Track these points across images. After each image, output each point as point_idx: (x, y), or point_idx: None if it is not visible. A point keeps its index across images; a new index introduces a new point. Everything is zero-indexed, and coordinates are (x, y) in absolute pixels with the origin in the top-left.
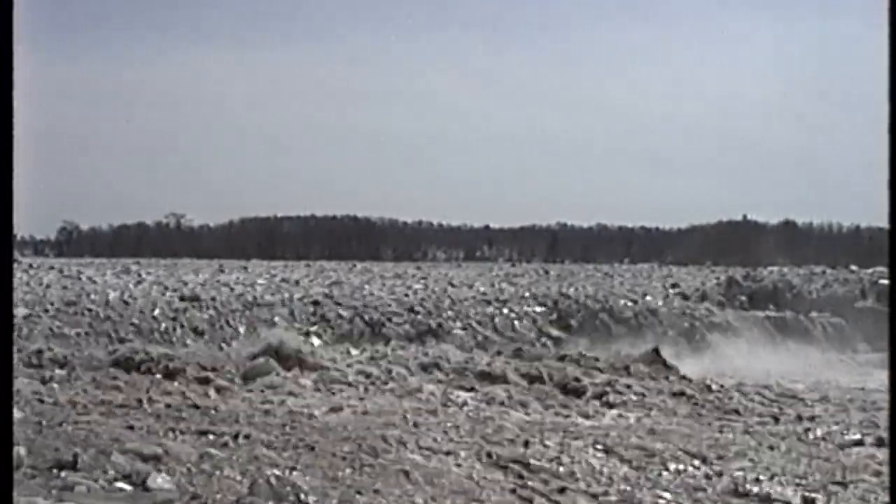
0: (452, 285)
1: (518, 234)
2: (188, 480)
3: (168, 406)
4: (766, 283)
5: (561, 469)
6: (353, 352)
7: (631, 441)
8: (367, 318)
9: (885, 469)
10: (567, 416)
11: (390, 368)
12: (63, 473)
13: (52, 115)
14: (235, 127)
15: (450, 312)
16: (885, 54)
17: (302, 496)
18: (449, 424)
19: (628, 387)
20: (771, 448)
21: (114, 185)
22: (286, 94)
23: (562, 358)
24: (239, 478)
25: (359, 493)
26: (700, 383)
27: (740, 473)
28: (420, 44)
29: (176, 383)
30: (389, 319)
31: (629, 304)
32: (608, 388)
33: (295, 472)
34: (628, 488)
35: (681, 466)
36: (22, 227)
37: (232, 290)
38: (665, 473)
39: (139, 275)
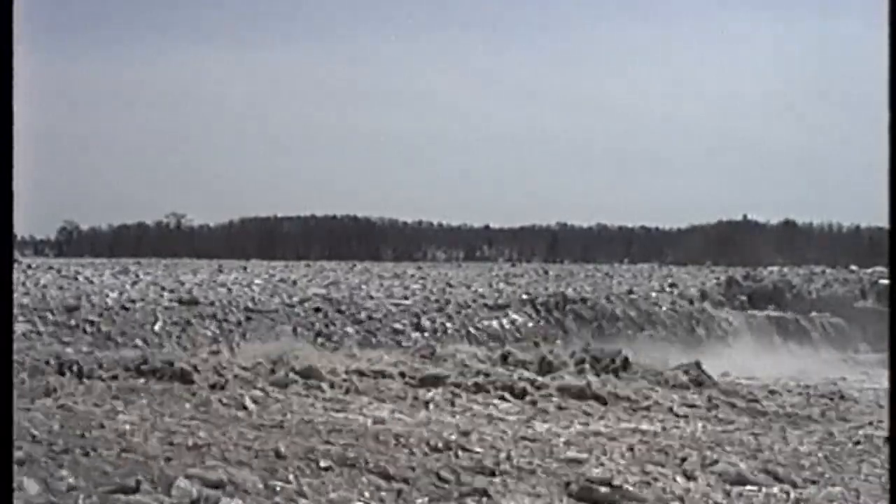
0: (451, 286)
1: (518, 234)
2: None
3: (205, 415)
4: (766, 283)
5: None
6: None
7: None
8: (363, 325)
9: None
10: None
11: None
12: (126, 499)
13: (52, 115)
14: (235, 127)
15: (448, 317)
16: (885, 54)
17: None
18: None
19: (671, 396)
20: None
21: (114, 185)
22: (286, 94)
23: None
24: None
25: None
26: (732, 389)
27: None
28: (420, 44)
29: (199, 391)
30: (384, 324)
31: (629, 304)
32: (648, 398)
33: None
34: None
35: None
36: (22, 227)
37: (229, 290)
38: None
39: (137, 275)
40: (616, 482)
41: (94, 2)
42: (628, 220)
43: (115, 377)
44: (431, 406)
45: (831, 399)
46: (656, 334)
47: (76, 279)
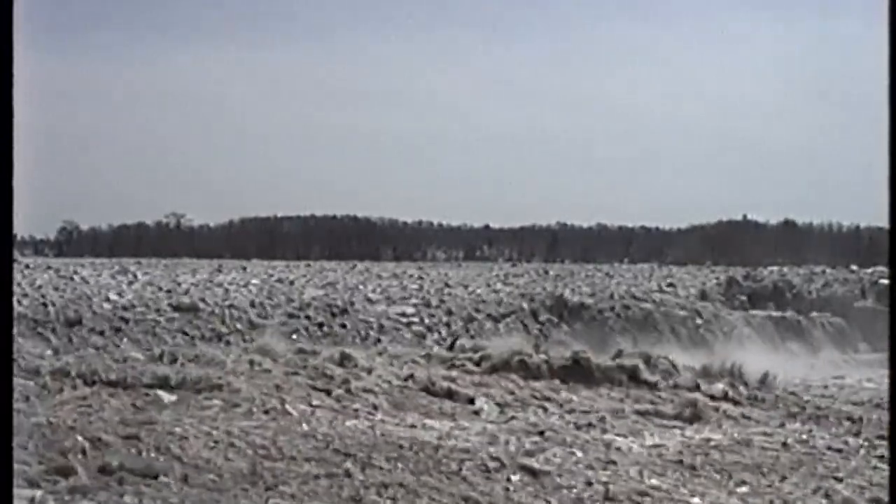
0: (448, 286)
1: (518, 234)
2: None
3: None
4: (766, 283)
5: None
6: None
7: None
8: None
9: None
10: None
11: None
12: None
13: (53, 115)
14: (235, 127)
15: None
16: (885, 54)
17: None
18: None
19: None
20: None
21: (114, 185)
22: (286, 94)
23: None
24: None
25: None
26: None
27: None
28: (420, 44)
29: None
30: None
31: (628, 304)
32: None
33: None
34: None
35: None
36: (22, 227)
37: (227, 290)
38: None
39: (135, 275)
40: None
41: (94, 2)
42: (628, 220)
43: None
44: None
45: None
46: (655, 334)
47: (72, 279)
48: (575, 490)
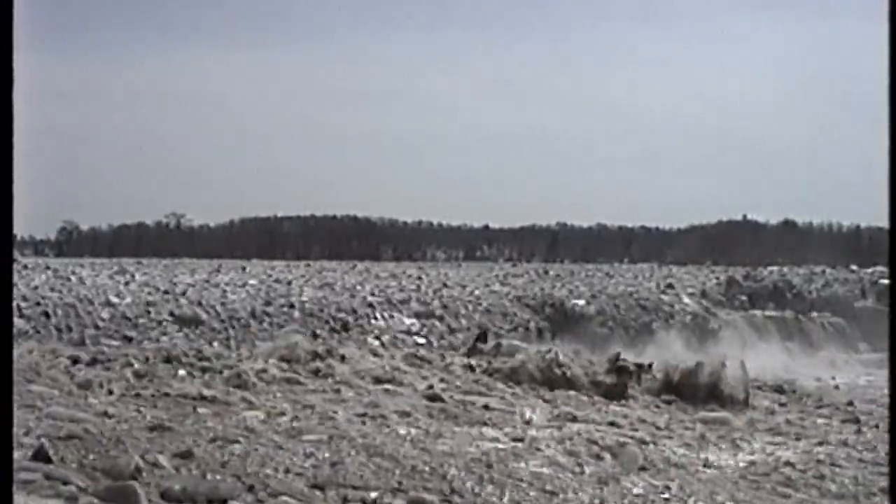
0: (447, 286)
1: (518, 234)
2: None
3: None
4: (766, 283)
5: None
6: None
7: None
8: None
9: None
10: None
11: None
12: None
13: (53, 115)
14: (235, 127)
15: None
16: (885, 54)
17: None
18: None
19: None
20: None
21: (114, 185)
22: (286, 94)
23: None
24: None
25: None
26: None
27: None
28: (420, 44)
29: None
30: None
31: (627, 305)
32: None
33: None
34: None
35: None
36: (22, 227)
37: (224, 291)
38: None
39: (133, 276)
40: None
41: (94, 2)
42: (628, 220)
43: None
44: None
45: None
46: (654, 334)
47: (69, 279)
48: None
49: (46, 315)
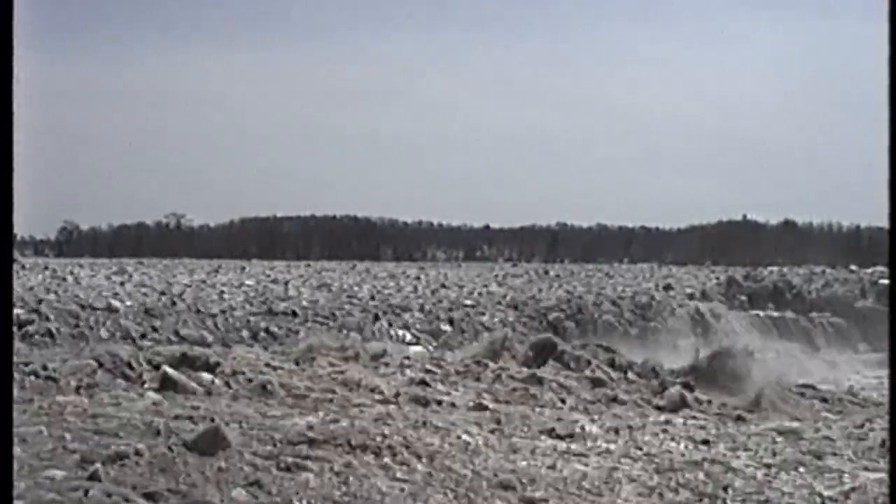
0: (445, 286)
1: (518, 234)
2: None
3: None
4: (766, 283)
5: None
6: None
7: None
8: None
9: None
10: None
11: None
12: None
13: (53, 115)
14: (235, 127)
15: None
16: (885, 54)
17: None
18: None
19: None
20: None
21: (114, 185)
22: (286, 94)
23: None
24: None
25: None
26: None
27: None
28: (420, 44)
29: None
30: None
31: (626, 305)
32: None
33: None
34: None
35: None
36: (22, 227)
37: (221, 292)
38: None
39: (130, 276)
40: None
41: (94, 2)
42: (628, 220)
43: None
44: None
45: None
46: (654, 335)
47: (65, 279)
48: None
49: None
